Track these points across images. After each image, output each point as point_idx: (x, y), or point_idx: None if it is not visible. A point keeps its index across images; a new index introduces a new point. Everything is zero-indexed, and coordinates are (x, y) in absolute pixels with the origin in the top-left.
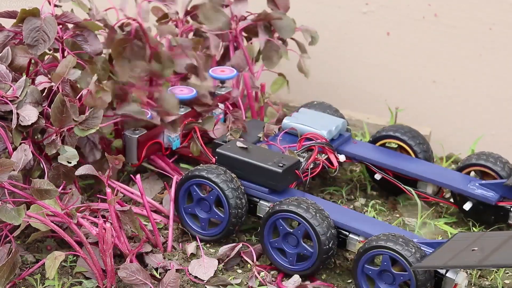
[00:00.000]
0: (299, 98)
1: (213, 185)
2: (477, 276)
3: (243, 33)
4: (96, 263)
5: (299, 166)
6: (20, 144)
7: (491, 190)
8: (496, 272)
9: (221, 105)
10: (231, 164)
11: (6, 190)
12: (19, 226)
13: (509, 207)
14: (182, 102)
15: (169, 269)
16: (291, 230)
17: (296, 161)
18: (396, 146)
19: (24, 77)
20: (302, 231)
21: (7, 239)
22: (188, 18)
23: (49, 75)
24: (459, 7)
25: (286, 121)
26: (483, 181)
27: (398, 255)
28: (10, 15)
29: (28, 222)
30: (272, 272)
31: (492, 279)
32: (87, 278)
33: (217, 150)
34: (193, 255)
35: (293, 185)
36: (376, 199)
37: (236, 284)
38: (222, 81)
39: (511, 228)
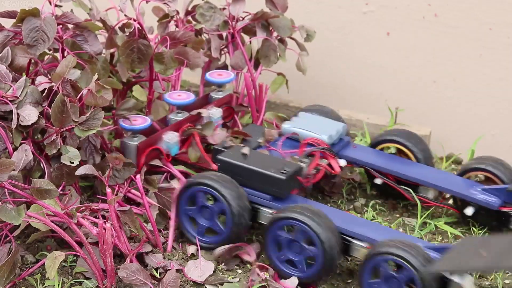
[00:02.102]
0: (299, 98)
1: (219, 195)
2: (477, 276)
3: (242, 34)
4: (96, 263)
5: (302, 172)
6: (21, 144)
7: (493, 195)
8: (496, 272)
9: (219, 110)
10: (233, 171)
11: (6, 190)
12: (19, 226)
13: (511, 212)
14: (180, 108)
15: (169, 269)
16: (294, 238)
17: (299, 168)
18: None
19: (24, 77)
20: (306, 238)
21: (7, 239)
22: (189, 18)
23: (49, 75)
24: (459, 7)
25: (286, 126)
26: (486, 186)
27: (404, 261)
28: (10, 15)
29: (28, 222)
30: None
31: (492, 279)
32: (87, 278)
33: (218, 157)
34: (193, 256)
35: (295, 191)
36: (376, 199)
37: (235, 282)
38: (220, 85)
39: None
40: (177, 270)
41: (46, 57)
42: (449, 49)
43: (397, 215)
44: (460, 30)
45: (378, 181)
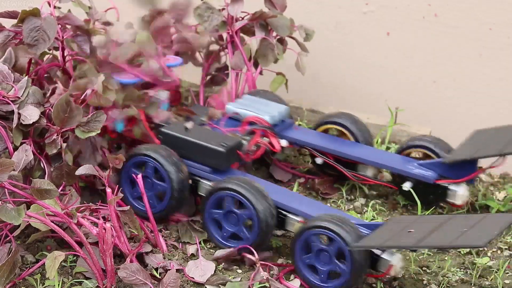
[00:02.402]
0: (299, 97)
1: (155, 162)
2: (477, 276)
3: (242, 34)
4: (96, 263)
5: (241, 147)
6: (21, 144)
7: (429, 170)
8: (496, 272)
9: (165, 92)
10: (175, 143)
11: (6, 190)
12: (19, 226)
13: (447, 185)
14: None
15: (169, 269)
16: (234, 209)
17: (238, 142)
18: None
19: (25, 77)
20: (246, 213)
21: (7, 239)
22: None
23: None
24: (459, 7)
25: (229, 106)
26: (422, 161)
27: (335, 235)
28: (10, 15)
29: (28, 222)
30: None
31: (492, 279)
32: (87, 278)
33: (161, 129)
34: (193, 256)
35: (235, 165)
36: (376, 199)
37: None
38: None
39: (450, 206)
40: (177, 270)
41: (46, 56)
42: (449, 49)
43: (397, 215)
44: (460, 30)
45: (318, 160)
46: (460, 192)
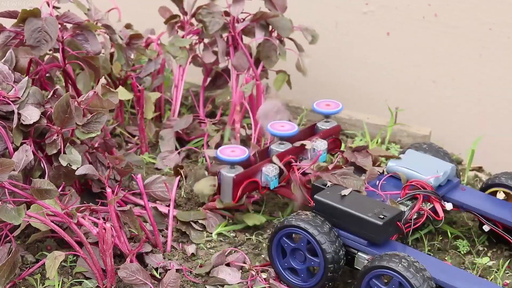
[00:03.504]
0: (299, 98)
1: (310, 236)
2: (477, 276)
3: (243, 35)
4: (96, 263)
5: (401, 217)
6: (22, 144)
7: None
8: (496, 272)
9: (324, 142)
10: (329, 212)
11: (6, 190)
12: (19, 226)
13: None
14: (282, 139)
15: (169, 269)
16: None
17: (399, 212)
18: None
19: (26, 77)
20: None
21: (7, 239)
22: (193, 20)
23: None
24: (459, 7)
25: (391, 164)
26: None
27: None
28: (11, 14)
29: (28, 222)
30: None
31: (492, 279)
32: (87, 278)
33: (315, 196)
34: (193, 255)
35: (394, 236)
36: None
37: (236, 283)
38: (327, 116)
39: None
40: (177, 270)
41: (46, 57)
42: (449, 49)
43: None
44: (460, 30)
45: (486, 227)
46: None
